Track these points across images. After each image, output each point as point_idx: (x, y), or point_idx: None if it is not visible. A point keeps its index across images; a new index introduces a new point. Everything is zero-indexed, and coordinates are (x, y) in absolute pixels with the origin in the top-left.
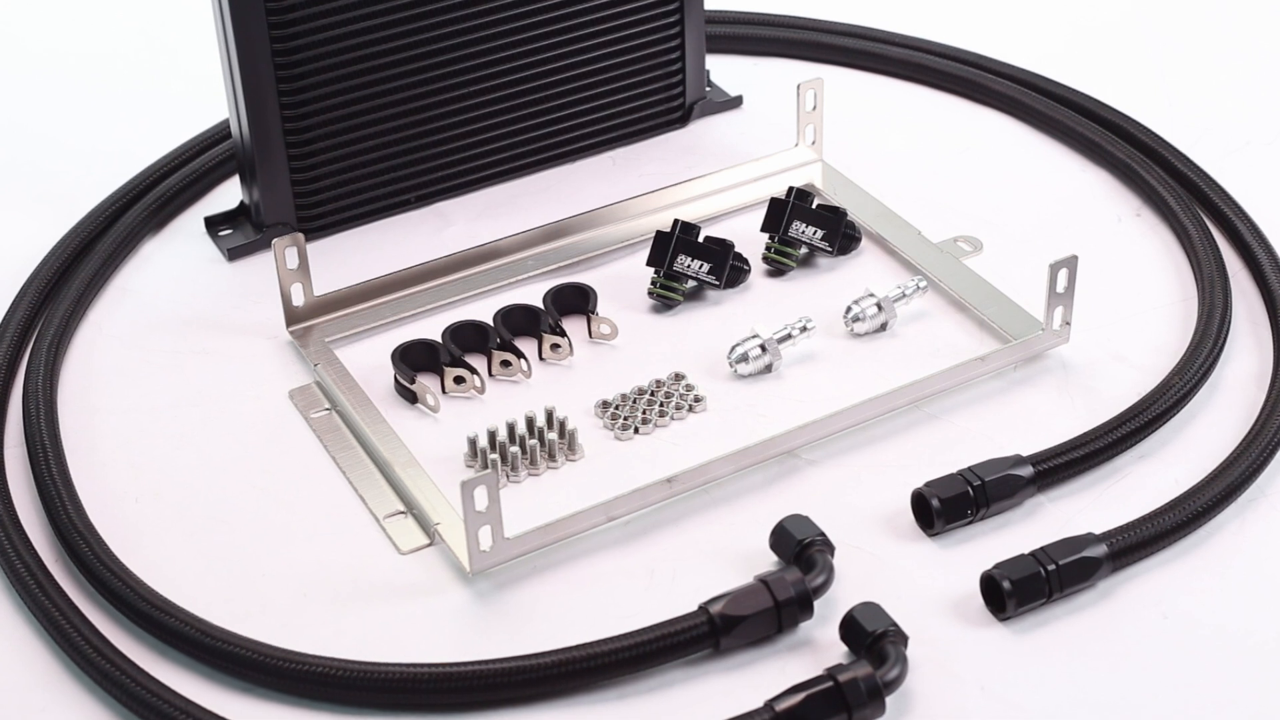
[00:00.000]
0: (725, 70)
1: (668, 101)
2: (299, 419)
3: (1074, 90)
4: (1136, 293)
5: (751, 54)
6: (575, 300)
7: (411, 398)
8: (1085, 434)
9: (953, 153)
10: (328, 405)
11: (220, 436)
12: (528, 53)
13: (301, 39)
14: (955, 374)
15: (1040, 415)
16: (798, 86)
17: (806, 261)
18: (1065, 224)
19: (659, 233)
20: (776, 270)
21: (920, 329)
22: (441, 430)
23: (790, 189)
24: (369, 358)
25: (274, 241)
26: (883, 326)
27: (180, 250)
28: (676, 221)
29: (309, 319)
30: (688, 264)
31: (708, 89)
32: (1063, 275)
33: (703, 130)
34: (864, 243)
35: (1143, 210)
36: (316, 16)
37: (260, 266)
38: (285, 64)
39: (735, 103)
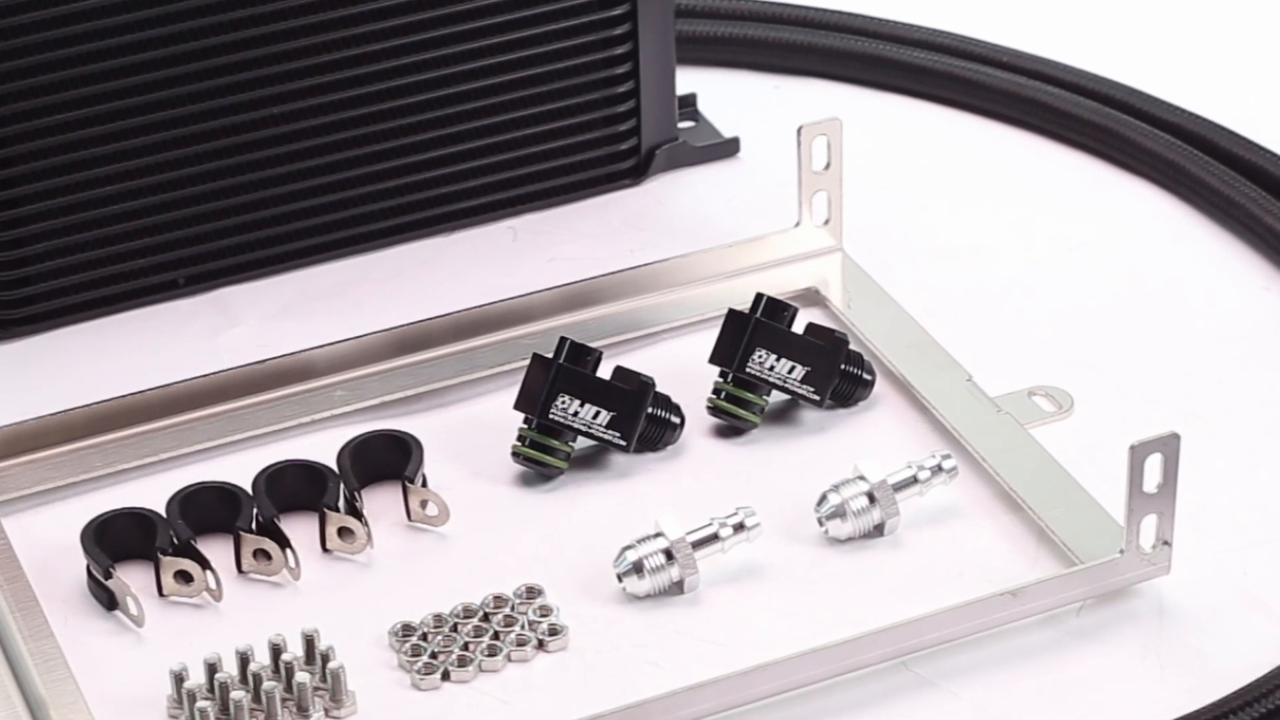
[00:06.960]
0: (726, 95)
1: (610, 144)
2: None
3: (1267, 152)
4: None
5: (773, 70)
6: (388, 459)
7: (108, 600)
8: None
9: (1061, 247)
10: None
11: None
12: (373, 63)
13: None
14: (972, 614)
15: (1108, 691)
16: (798, 132)
17: (782, 414)
18: (1227, 372)
19: (536, 358)
20: (731, 427)
21: (936, 536)
22: (145, 655)
23: (758, 298)
24: (58, 532)
25: None
26: (877, 529)
27: None
28: (563, 342)
29: None
30: (574, 411)
31: (687, 126)
32: (1153, 464)
33: (666, 190)
34: (879, 387)
35: None
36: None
37: None
38: None
39: (727, 148)
